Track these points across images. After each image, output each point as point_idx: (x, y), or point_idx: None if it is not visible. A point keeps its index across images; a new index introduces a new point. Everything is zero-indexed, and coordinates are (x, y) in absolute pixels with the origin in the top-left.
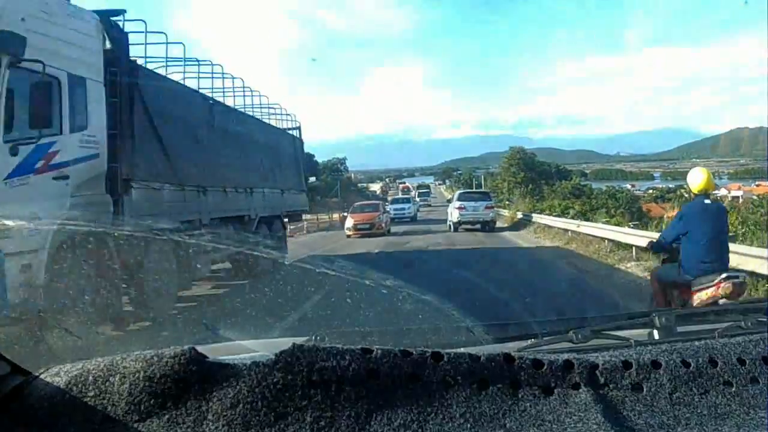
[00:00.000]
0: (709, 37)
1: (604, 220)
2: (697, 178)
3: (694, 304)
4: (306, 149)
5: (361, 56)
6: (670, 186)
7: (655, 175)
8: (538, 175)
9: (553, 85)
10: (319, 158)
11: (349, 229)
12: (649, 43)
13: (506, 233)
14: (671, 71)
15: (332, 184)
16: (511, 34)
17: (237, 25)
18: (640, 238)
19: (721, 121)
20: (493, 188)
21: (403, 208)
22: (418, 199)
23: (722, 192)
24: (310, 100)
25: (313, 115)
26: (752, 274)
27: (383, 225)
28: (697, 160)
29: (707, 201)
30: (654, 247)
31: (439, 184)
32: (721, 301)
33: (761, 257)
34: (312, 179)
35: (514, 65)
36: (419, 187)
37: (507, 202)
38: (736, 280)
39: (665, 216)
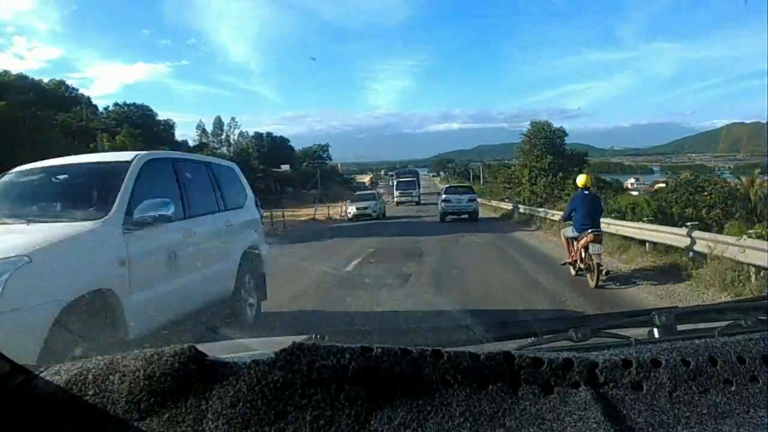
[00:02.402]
0: (704, 32)
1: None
2: (580, 179)
3: (579, 245)
4: (292, 139)
5: (354, 47)
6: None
7: (654, 168)
8: (569, 161)
9: (548, 79)
10: (301, 146)
11: None
12: (644, 37)
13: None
14: (665, 66)
15: (311, 173)
16: (505, 26)
17: (228, 12)
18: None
19: (714, 116)
20: (507, 179)
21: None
22: (397, 192)
23: None
24: (302, 91)
25: (305, 106)
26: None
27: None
28: (693, 155)
29: (586, 192)
30: (563, 218)
31: (434, 176)
32: (591, 246)
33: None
34: (285, 167)
35: (508, 58)
36: (400, 174)
37: (532, 196)
38: (596, 232)
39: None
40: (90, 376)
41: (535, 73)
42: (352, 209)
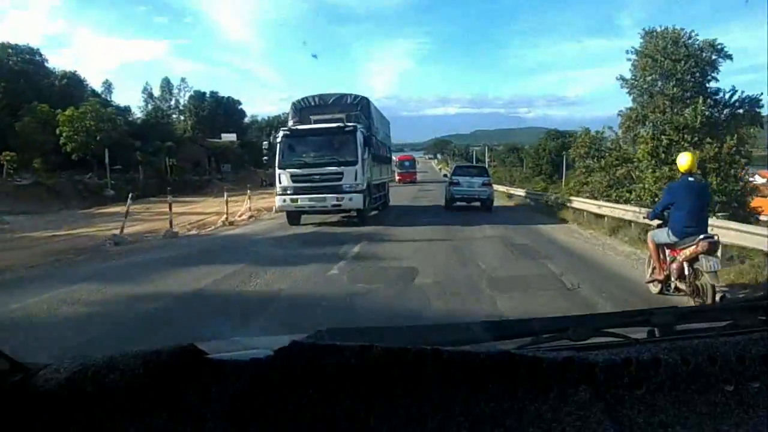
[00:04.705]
0: (704, 24)
1: None
2: (683, 160)
3: (680, 260)
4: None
5: (353, 29)
6: None
7: None
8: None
9: (546, 65)
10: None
11: None
12: (643, 27)
13: None
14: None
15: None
16: (505, 11)
17: None
18: None
19: None
20: (593, 151)
21: None
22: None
23: (759, 180)
24: (300, 72)
25: (303, 87)
26: None
27: None
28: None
29: (691, 179)
30: (650, 216)
31: (430, 158)
32: (704, 260)
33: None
34: (228, 137)
35: (506, 43)
36: (304, 111)
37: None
38: (711, 240)
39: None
40: (90, 374)
41: (534, 58)
42: None
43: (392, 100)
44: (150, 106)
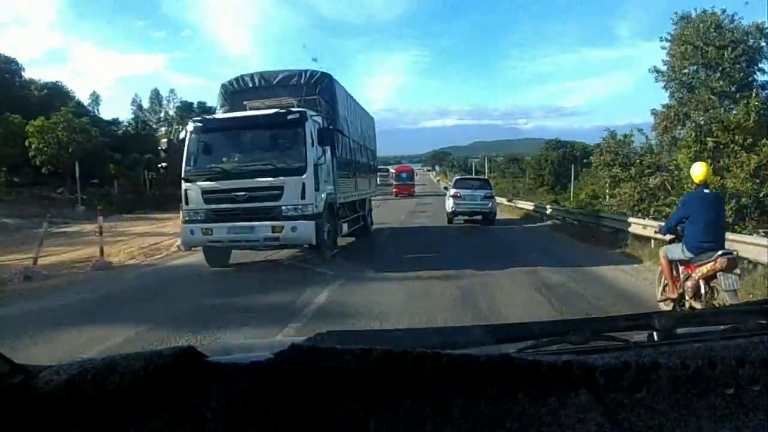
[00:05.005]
0: None
1: None
2: (697, 171)
3: (695, 277)
4: None
5: (351, 43)
6: None
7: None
8: None
9: (544, 76)
10: None
11: None
12: (641, 36)
13: None
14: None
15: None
16: (502, 23)
17: (226, 5)
18: None
19: None
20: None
21: None
22: None
23: None
24: None
25: None
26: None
27: None
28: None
29: (706, 190)
30: (663, 231)
31: (428, 170)
32: (723, 278)
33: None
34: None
35: (505, 55)
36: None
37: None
38: (730, 256)
39: None
40: (90, 376)
41: (532, 69)
42: None
43: (391, 112)
44: (138, 118)
